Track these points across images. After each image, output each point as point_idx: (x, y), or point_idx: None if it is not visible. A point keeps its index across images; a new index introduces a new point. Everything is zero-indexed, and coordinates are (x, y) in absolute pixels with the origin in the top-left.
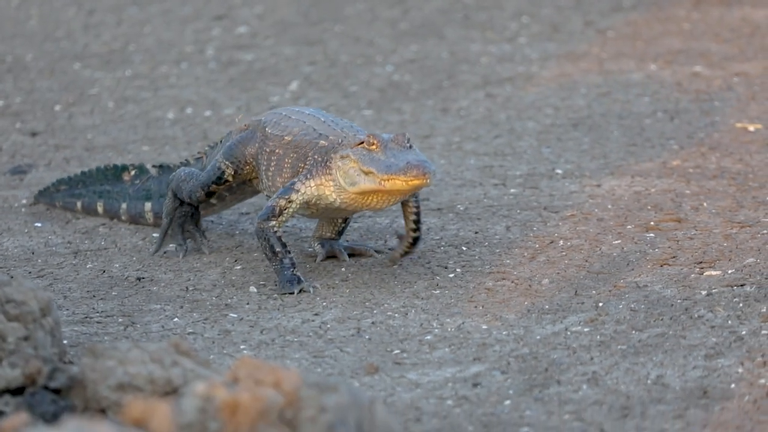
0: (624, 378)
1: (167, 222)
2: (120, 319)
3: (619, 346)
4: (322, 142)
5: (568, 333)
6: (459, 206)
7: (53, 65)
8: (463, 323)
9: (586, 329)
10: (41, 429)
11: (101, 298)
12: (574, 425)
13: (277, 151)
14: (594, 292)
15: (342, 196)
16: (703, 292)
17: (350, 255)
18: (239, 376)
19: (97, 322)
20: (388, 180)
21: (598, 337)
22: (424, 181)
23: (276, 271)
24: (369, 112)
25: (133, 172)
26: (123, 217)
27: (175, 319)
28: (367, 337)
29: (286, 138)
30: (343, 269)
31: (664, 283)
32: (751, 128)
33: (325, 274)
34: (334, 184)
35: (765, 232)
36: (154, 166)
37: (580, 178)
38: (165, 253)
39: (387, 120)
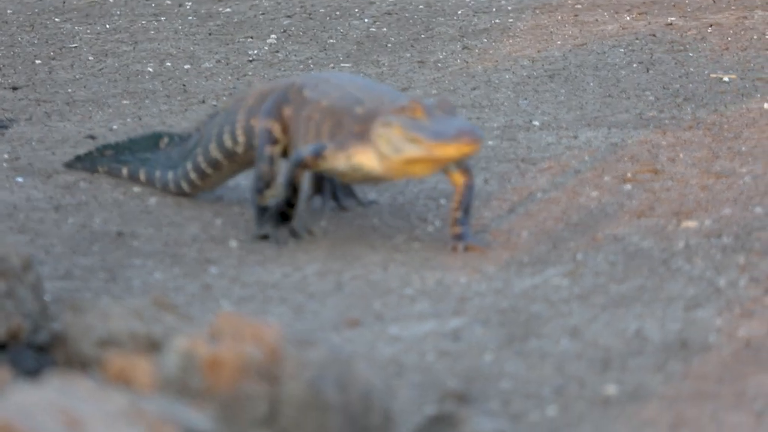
0: (603, 331)
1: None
2: (101, 275)
3: (598, 299)
4: (359, 108)
5: (548, 286)
6: None
7: (34, 19)
8: (442, 277)
9: (565, 282)
10: (23, 386)
11: (82, 254)
12: (555, 379)
13: (313, 116)
14: (572, 244)
15: (384, 165)
16: (681, 244)
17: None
18: (220, 332)
19: (79, 278)
20: (437, 147)
21: (577, 290)
22: (476, 146)
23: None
24: (347, 65)
25: (166, 140)
26: (157, 185)
27: (156, 274)
28: (347, 291)
29: (323, 102)
30: (323, 223)
31: (641, 235)
32: (726, 78)
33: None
34: (374, 153)
35: (741, 182)
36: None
37: (557, 130)
38: (146, 207)
39: (365, 72)
